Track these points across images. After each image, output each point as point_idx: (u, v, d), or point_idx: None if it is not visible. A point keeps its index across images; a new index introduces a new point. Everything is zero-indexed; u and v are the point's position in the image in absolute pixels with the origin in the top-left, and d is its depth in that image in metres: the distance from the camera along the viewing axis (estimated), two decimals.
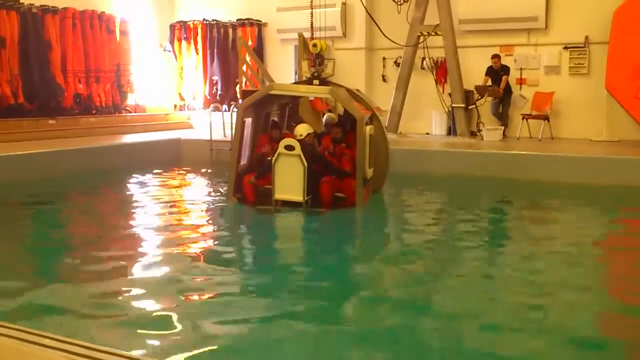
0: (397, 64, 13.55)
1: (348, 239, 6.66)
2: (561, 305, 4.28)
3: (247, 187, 7.56)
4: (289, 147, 7.04)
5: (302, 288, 4.78)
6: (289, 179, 7.07)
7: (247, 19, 15.36)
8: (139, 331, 3.78)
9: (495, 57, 12.17)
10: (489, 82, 12.18)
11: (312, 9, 9.62)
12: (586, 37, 12.15)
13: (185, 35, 15.87)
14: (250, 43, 14.77)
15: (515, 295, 4.53)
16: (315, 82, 7.92)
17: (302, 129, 7.56)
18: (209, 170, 10.87)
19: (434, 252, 5.92)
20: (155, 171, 10.45)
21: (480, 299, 4.46)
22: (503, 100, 12.32)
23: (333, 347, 3.65)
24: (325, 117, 8.82)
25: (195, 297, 4.45)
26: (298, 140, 7.21)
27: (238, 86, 13.43)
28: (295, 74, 14.02)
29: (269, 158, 7.34)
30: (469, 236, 6.51)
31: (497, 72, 12.16)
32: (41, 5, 12.20)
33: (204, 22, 15.71)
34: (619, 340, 3.83)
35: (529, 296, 4.49)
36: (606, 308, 4.42)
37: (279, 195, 7.18)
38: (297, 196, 7.08)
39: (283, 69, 14.49)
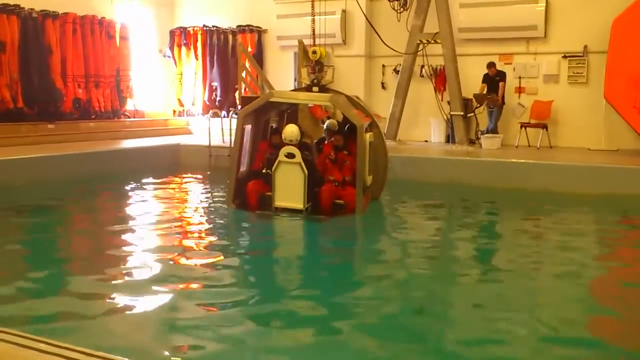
0: (396, 71, 13.57)
1: (347, 245, 6.64)
2: (558, 321, 4.26)
3: (250, 193, 7.51)
4: (290, 155, 7.04)
5: (300, 294, 4.78)
6: (290, 186, 7.07)
7: (247, 26, 15.40)
8: (135, 337, 3.78)
9: (492, 66, 12.14)
10: (485, 89, 12.18)
11: (313, 15, 9.64)
12: (585, 47, 12.19)
13: (185, 41, 15.91)
14: (250, 49, 14.80)
15: (509, 310, 4.49)
16: (315, 89, 7.91)
17: (293, 134, 7.27)
18: (208, 176, 10.85)
19: (432, 261, 5.90)
20: (153, 176, 10.43)
21: (473, 307, 4.47)
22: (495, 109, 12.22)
23: (328, 351, 3.65)
24: (326, 123, 8.82)
25: (192, 303, 4.42)
26: (293, 145, 7.17)
27: (237, 92, 13.45)
28: (295, 80, 14.03)
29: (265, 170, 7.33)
30: (467, 244, 6.52)
31: (493, 78, 12.16)
32: (42, 10, 12.22)
33: (204, 28, 15.75)
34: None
35: (528, 310, 4.48)
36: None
37: (279, 202, 7.17)
38: (297, 204, 7.08)
39: (282, 76, 14.50)
